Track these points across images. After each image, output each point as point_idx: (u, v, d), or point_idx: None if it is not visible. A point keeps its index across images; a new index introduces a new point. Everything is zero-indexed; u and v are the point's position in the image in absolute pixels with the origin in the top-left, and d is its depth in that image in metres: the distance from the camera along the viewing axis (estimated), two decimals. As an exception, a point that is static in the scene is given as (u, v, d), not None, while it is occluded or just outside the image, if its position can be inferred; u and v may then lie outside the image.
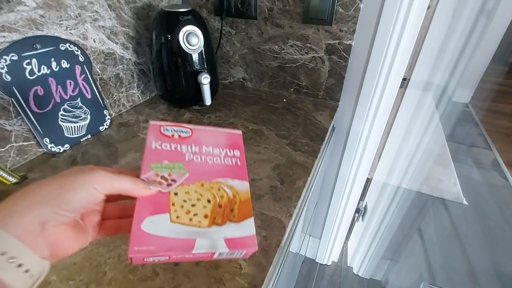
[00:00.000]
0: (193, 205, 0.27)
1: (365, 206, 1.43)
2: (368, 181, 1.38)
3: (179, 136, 0.32)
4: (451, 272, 0.94)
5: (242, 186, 0.30)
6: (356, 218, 1.47)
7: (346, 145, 0.96)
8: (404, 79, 0.94)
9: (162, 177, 0.28)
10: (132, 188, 0.25)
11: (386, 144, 1.33)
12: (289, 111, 0.80)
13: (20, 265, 0.19)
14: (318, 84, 0.84)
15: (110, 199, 0.27)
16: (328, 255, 1.39)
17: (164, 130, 0.32)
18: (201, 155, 0.31)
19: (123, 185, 0.25)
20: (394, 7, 0.66)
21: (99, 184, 0.23)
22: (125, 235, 0.25)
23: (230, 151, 0.33)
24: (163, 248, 0.24)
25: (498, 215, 1.05)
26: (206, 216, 0.27)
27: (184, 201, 0.27)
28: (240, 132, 0.36)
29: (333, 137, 0.95)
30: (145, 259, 0.24)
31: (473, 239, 0.96)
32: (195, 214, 0.27)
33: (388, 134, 1.27)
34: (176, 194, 0.27)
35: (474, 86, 2.40)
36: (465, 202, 1.42)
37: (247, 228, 0.28)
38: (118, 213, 0.29)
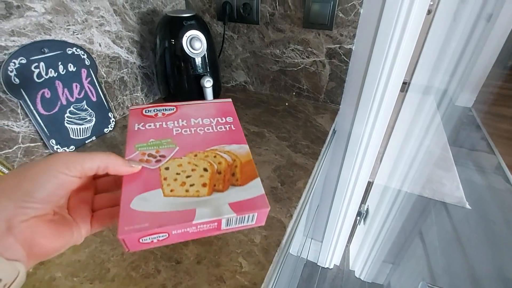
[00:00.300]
0: (188, 176, 0.25)
1: (367, 209, 1.43)
2: (370, 184, 1.38)
3: (163, 114, 0.30)
4: (453, 276, 0.93)
5: (241, 149, 0.28)
6: (357, 221, 1.47)
7: (347, 148, 0.96)
8: (404, 83, 0.95)
9: (150, 155, 0.26)
10: (107, 163, 0.23)
11: (387, 147, 1.33)
12: (290, 114, 0.81)
13: None
14: (319, 87, 0.85)
15: (99, 189, 0.26)
16: (330, 259, 1.39)
17: (146, 112, 0.30)
18: (190, 128, 0.29)
19: (95, 162, 0.22)
20: (393, 11, 0.67)
21: (65, 166, 0.21)
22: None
23: (222, 119, 0.31)
24: (158, 223, 0.21)
25: (501, 219, 1.04)
26: (204, 185, 0.25)
27: (177, 173, 0.25)
28: (230, 100, 0.34)
29: (334, 140, 0.96)
30: (140, 240, 0.21)
31: (475, 243, 0.95)
32: (191, 185, 0.25)
33: (389, 138, 1.28)
34: (167, 168, 0.25)
35: (477, 90, 2.39)
36: (468, 206, 1.41)
37: (254, 189, 0.25)
38: (110, 202, 0.26)
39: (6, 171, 0.51)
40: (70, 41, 0.60)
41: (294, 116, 0.80)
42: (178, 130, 0.29)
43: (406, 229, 1.17)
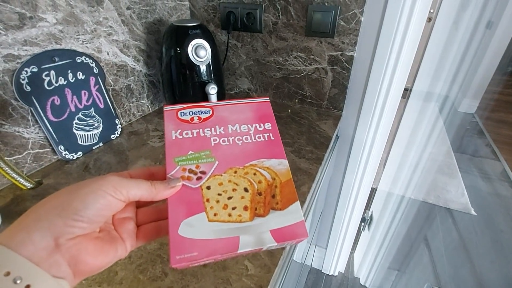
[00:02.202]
0: (229, 198, 0.25)
1: (371, 215, 1.43)
2: (373, 190, 1.38)
3: (199, 118, 0.28)
4: (460, 284, 0.92)
5: (281, 165, 0.27)
6: (362, 228, 1.46)
7: (350, 154, 0.97)
8: (406, 89, 0.96)
9: (190, 171, 0.25)
10: (149, 193, 0.23)
11: (390, 153, 1.33)
12: (293, 120, 0.82)
13: (28, 287, 0.17)
14: (322, 94, 0.86)
15: (141, 204, 0.26)
16: (334, 266, 1.38)
17: (181, 115, 0.28)
18: (228, 137, 0.28)
19: (140, 191, 0.23)
20: (394, 19, 0.69)
21: (113, 189, 0.21)
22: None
23: (260, 125, 0.29)
24: (206, 253, 0.22)
25: (508, 226, 1.03)
26: (246, 208, 0.24)
27: (219, 194, 0.25)
28: (267, 99, 0.31)
29: (337, 146, 0.96)
30: (190, 266, 0.22)
31: (482, 250, 0.94)
32: (233, 208, 0.24)
33: (392, 144, 1.28)
34: (208, 188, 0.25)
35: (479, 96, 2.40)
36: (473, 212, 1.40)
37: (294, 214, 0.24)
38: (154, 216, 0.26)
39: (26, 183, 0.52)
40: (80, 50, 0.62)
41: (298, 122, 0.81)
42: (216, 140, 0.27)
43: (411, 235, 1.16)
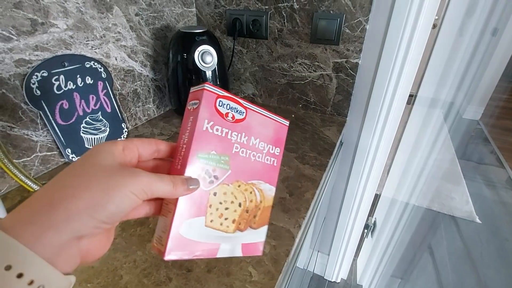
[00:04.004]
0: (226, 208, 0.27)
1: (374, 222, 1.42)
2: (377, 196, 1.37)
3: (233, 117, 0.27)
4: (465, 293, 0.91)
5: (269, 192, 0.30)
6: (365, 234, 1.45)
7: (354, 160, 0.97)
8: (411, 96, 0.96)
9: (207, 172, 0.25)
10: (170, 193, 0.23)
11: (394, 160, 1.33)
12: (297, 126, 0.82)
13: (32, 282, 0.17)
14: (326, 100, 0.87)
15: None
16: (337, 272, 1.37)
17: (219, 105, 0.26)
18: (247, 149, 0.28)
19: (161, 190, 0.22)
20: (399, 27, 0.69)
21: (141, 193, 0.21)
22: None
23: (272, 149, 0.30)
24: (193, 253, 0.25)
25: (513, 234, 1.02)
26: (233, 221, 0.27)
27: (220, 203, 0.26)
28: (287, 123, 0.32)
29: (341, 152, 0.96)
30: (177, 259, 0.26)
31: (488, 259, 0.93)
32: (225, 218, 0.27)
33: (396, 150, 1.28)
34: (215, 194, 0.26)
35: (484, 103, 2.39)
36: (478, 220, 1.39)
37: (260, 234, 0.29)
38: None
39: (33, 185, 0.53)
40: (89, 55, 0.64)
41: (302, 128, 0.81)
42: (237, 148, 0.27)
43: (415, 243, 1.15)
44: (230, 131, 0.26)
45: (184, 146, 0.25)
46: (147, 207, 0.25)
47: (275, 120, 0.30)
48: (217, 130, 0.25)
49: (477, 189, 1.69)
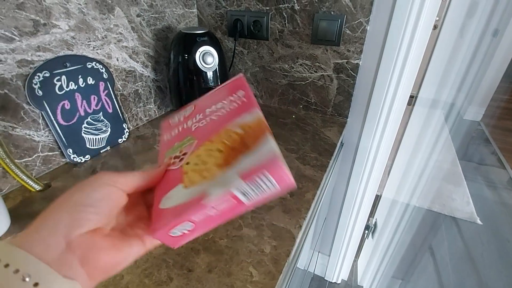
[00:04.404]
0: (204, 163, 0.25)
1: (375, 222, 1.42)
2: (378, 197, 1.37)
3: (184, 116, 0.31)
4: (466, 294, 0.91)
5: (252, 116, 0.26)
6: (365, 235, 1.45)
7: (354, 161, 0.97)
8: (411, 96, 0.96)
9: (175, 157, 0.27)
10: (143, 177, 0.25)
11: (395, 161, 1.33)
12: (298, 127, 0.82)
13: (36, 284, 0.17)
14: (327, 101, 0.87)
15: (151, 203, 0.27)
16: (337, 273, 1.37)
17: (172, 121, 0.32)
18: (205, 118, 0.29)
19: (134, 177, 0.24)
20: (399, 28, 0.69)
21: (108, 179, 0.22)
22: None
23: (233, 96, 0.29)
24: (177, 214, 0.22)
25: (514, 236, 1.02)
26: (219, 165, 0.23)
27: (196, 164, 0.25)
28: (240, 75, 0.32)
29: (342, 153, 0.96)
30: (171, 234, 0.23)
31: (489, 260, 0.93)
32: (208, 170, 0.24)
33: (397, 151, 1.28)
34: (188, 163, 0.26)
35: (485, 104, 2.39)
36: (479, 221, 1.39)
37: (263, 148, 0.22)
38: None
39: (35, 185, 0.53)
40: (90, 56, 0.64)
41: (302, 129, 0.81)
42: (196, 125, 0.29)
43: (415, 244, 1.15)
44: (184, 124, 0.30)
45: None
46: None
47: (225, 84, 0.32)
48: (174, 132, 0.30)
49: (478, 190, 1.69)
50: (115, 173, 0.23)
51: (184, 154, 0.27)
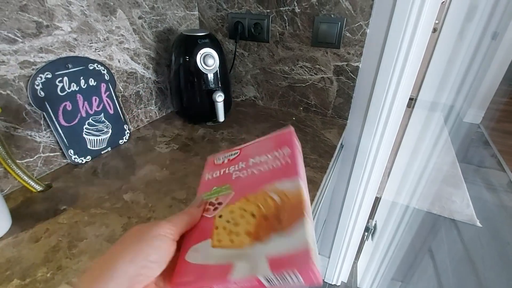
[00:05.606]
0: (236, 224, 0.24)
1: (375, 224, 1.42)
2: (377, 199, 1.38)
3: (228, 159, 0.31)
4: (466, 297, 0.91)
5: (292, 185, 0.24)
6: (365, 237, 1.45)
7: (354, 163, 0.97)
8: (411, 99, 0.96)
9: (210, 204, 0.26)
10: (190, 219, 0.25)
11: (395, 163, 1.33)
12: (298, 129, 0.82)
13: None
14: (327, 103, 0.87)
15: None
16: (337, 275, 1.36)
17: (216, 160, 0.32)
18: (247, 169, 0.28)
19: (185, 224, 0.24)
20: (399, 31, 0.70)
21: (168, 231, 0.22)
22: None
23: (279, 152, 0.28)
24: (199, 277, 0.21)
25: (513, 238, 1.02)
26: (249, 234, 0.22)
27: (228, 221, 0.24)
28: (291, 129, 0.31)
29: (342, 155, 0.97)
30: None
31: (488, 263, 0.93)
32: (237, 234, 0.23)
33: (397, 153, 1.28)
34: (220, 216, 0.25)
35: (485, 106, 2.40)
36: (478, 224, 1.39)
37: (297, 235, 0.20)
38: None
39: (36, 186, 0.53)
40: (92, 57, 0.64)
41: (303, 131, 0.81)
42: (237, 174, 0.28)
43: (415, 246, 1.15)
44: (226, 168, 0.30)
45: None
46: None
47: (274, 135, 0.31)
48: (215, 174, 0.30)
49: (477, 192, 1.69)
50: (169, 221, 0.23)
51: (219, 203, 0.26)
